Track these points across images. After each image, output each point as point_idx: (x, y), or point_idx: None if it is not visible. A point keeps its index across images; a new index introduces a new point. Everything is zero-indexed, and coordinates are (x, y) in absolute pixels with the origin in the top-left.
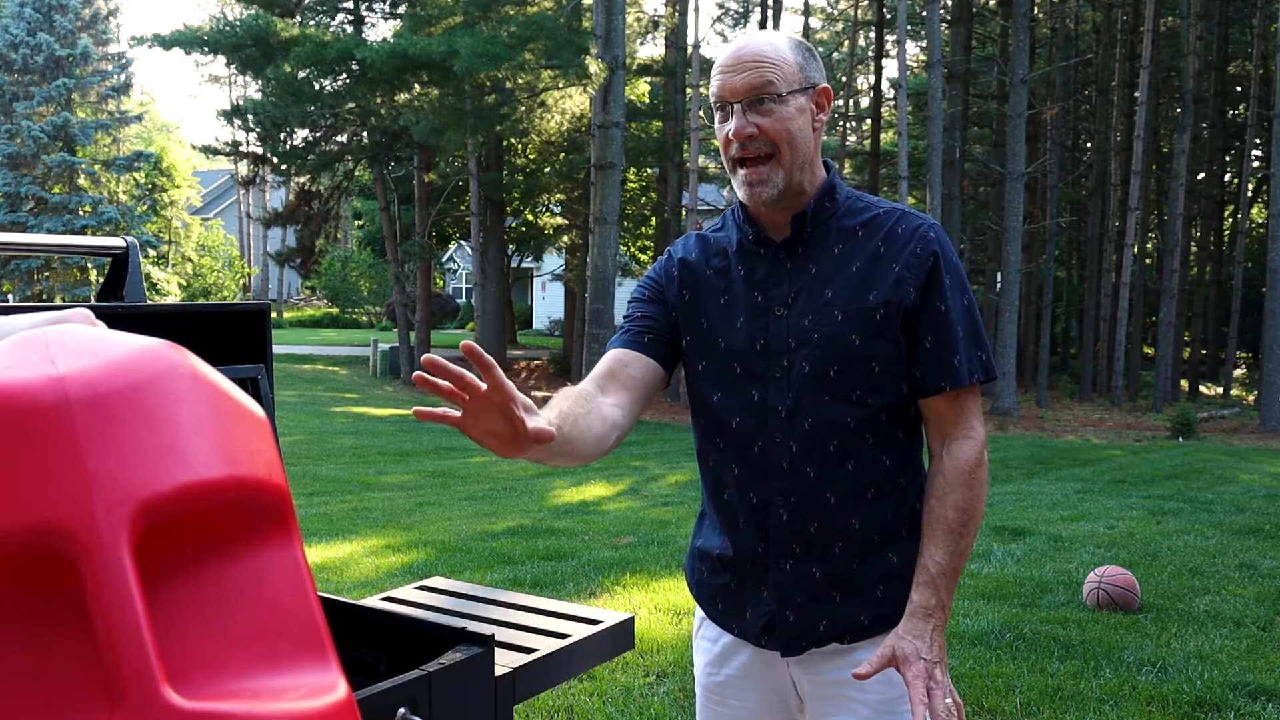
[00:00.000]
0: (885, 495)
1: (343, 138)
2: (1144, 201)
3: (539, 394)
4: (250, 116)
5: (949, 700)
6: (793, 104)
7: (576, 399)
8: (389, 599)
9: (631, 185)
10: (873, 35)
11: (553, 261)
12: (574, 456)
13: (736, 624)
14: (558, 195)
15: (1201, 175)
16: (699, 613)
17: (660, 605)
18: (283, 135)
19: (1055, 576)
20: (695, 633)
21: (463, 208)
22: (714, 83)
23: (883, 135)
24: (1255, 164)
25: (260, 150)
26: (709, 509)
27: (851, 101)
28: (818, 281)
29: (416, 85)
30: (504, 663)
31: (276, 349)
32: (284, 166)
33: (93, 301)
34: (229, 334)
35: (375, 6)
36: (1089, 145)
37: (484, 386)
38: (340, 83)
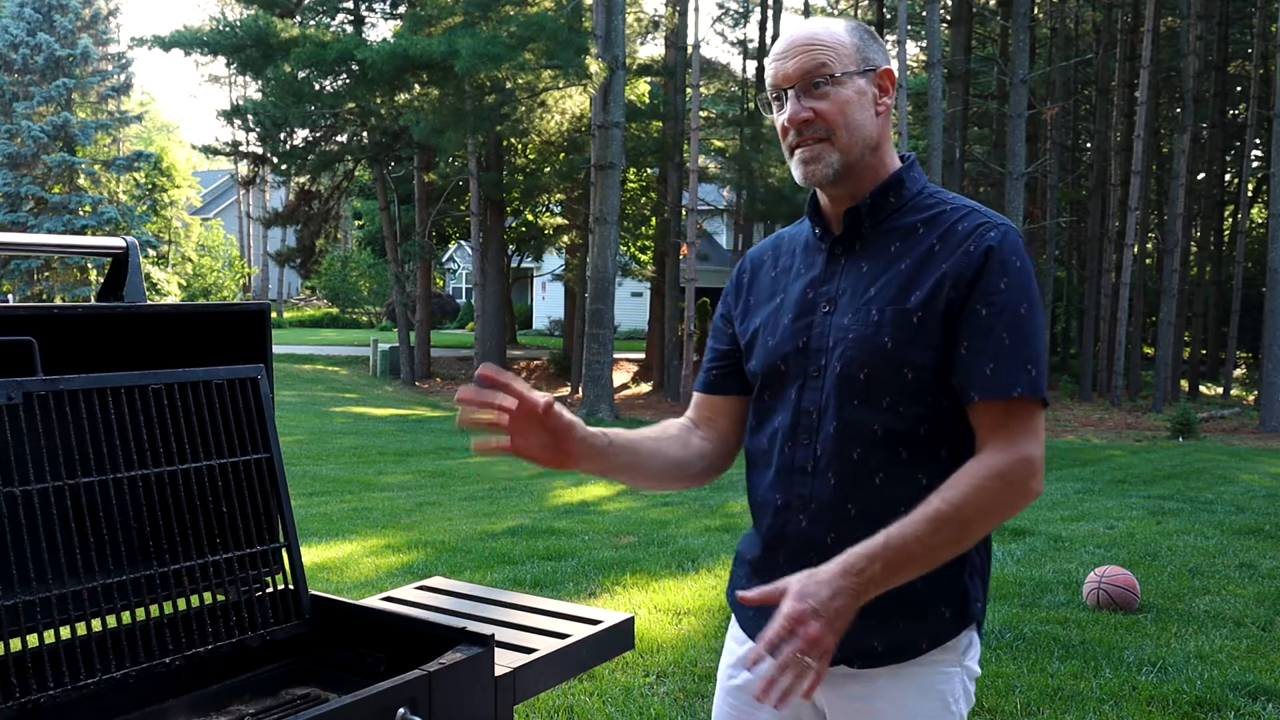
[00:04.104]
0: None
1: (343, 138)
2: (1144, 201)
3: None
4: (250, 116)
5: (806, 660)
6: (850, 86)
7: (665, 426)
8: (389, 599)
9: (631, 185)
10: None
11: (553, 261)
12: (645, 475)
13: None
14: (558, 195)
15: (1201, 175)
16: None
17: (660, 605)
18: (283, 135)
19: (1055, 576)
20: (729, 631)
21: (463, 208)
22: (768, 72)
23: None
24: (1255, 164)
25: (260, 150)
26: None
27: None
28: (865, 279)
29: (416, 85)
30: (504, 663)
31: (276, 349)
32: (284, 166)
33: (93, 301)
34: (229, 334)
35: (375, 6)
36: (1089, 145)
37: (513, 403)
38: (340, 83)
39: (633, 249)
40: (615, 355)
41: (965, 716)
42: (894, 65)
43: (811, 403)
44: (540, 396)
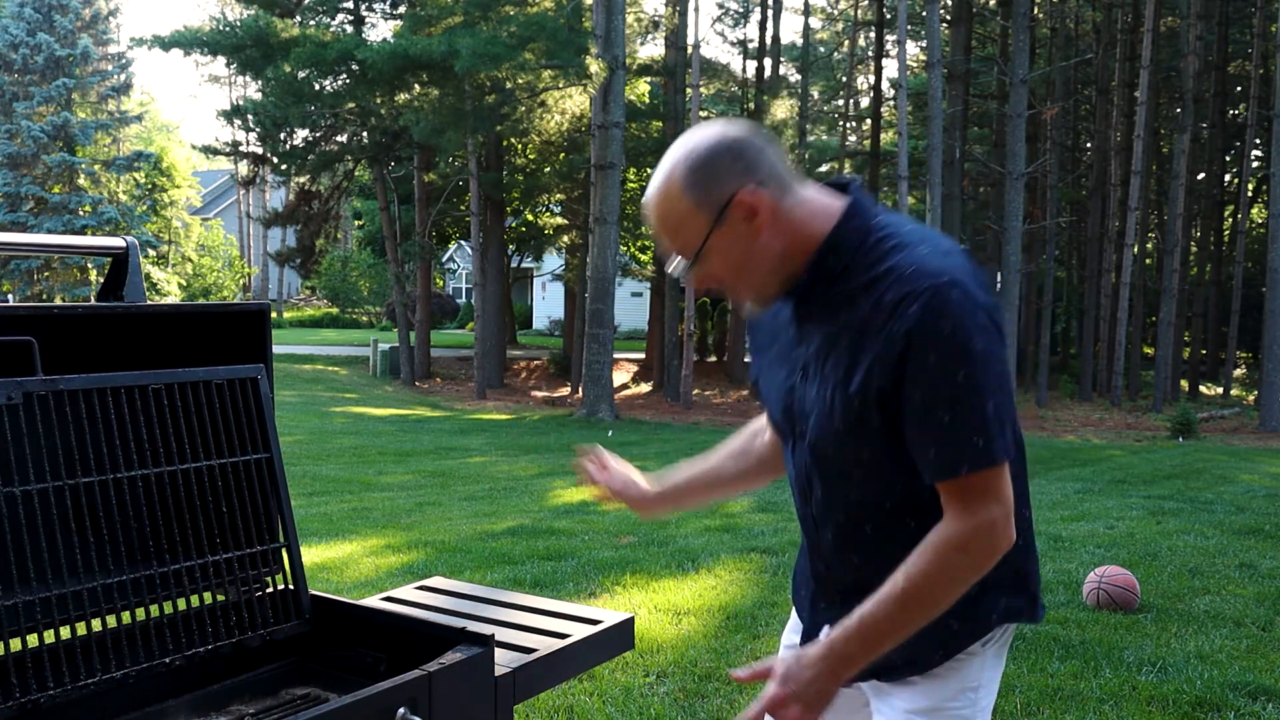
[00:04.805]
0: None
1: (343, 138)
2: (1144, 201)
3: (539, 394)
4: (250, 116)
5: None
6: (715, 248)
7: (730, 443)
8: (389, 599)
9: (631, 185)
10: (873, 35)
11: (553, 261)
12: (723, 494)
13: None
14: (558, 195)
15: (1201, 175)
16: None
17: (660, 605)
18: (283, 135)
19: (1055, 576)
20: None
21: (463, 208)
22: None
23: (883, 135)
24: (1255, 164)
25: (260, 150)
26: None
27: (851, 101)
28: (821, 352)
29: (416, 85)
30: (504, 663)
31: (276, 349)
32: (284, 166)
33: (93, 301)
34: (229, 334)
35: (375, 6)
36: (1089, 145)
37: (606, 472)
38: (340, 83)
39: (633, 249)
40: (615, 355)
41: (984, 698)
42: (757, 176)
43: (802, 464)
44: (622, 473)
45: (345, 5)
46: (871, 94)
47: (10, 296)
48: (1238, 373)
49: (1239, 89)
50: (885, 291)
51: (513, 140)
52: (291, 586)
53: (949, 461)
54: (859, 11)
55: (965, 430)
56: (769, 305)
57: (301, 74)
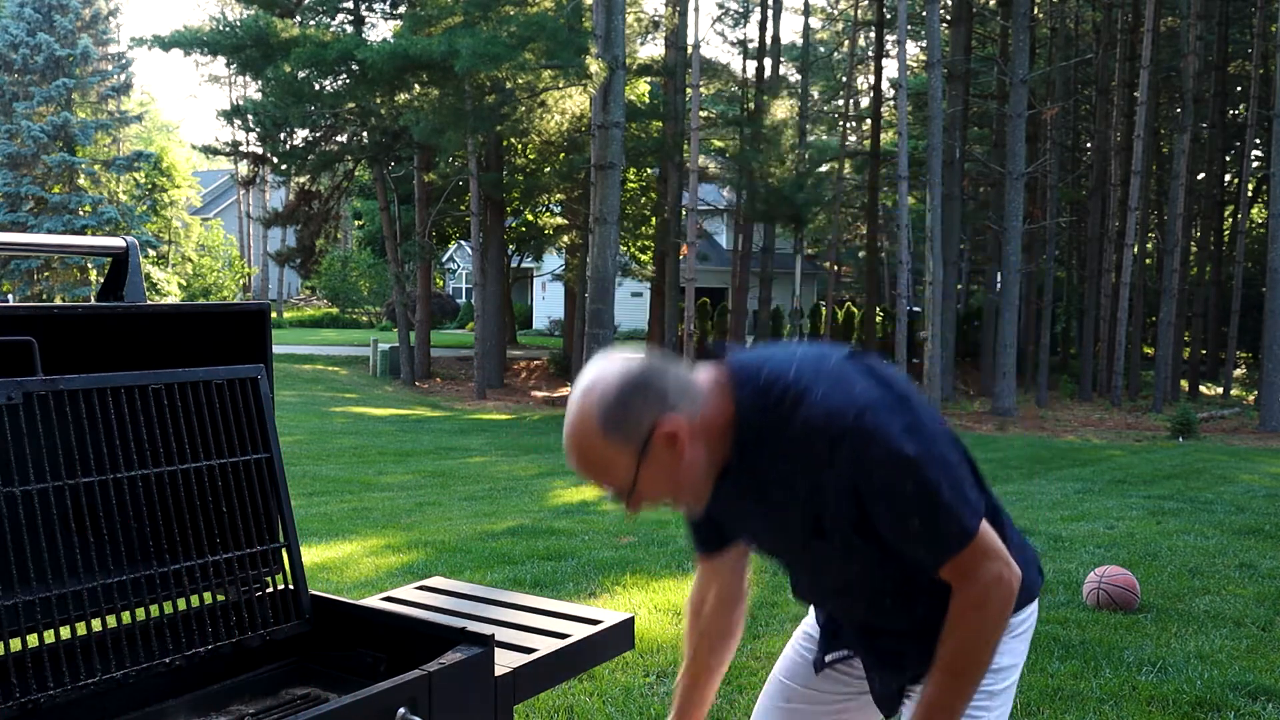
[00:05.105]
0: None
1: (343, 138)
2: (1144, 201)
3: (539, 394)
4: (250, 116)
5: None
6: (644, 479)
7: (703, 638)
8: (389, 599)
9: (631, 185)
10: (873, 35)
11: (553, 261)
12: (727, 660)
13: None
14: (558, 195)
15: (1201, 175)
16: None
17: (660, 605)
18: (283, 135)
19: (1055, 576)
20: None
21: (463, 208)
22: None
23: (883, 135)
24: (1255, 164)
25: (260, 150)
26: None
27: (851, 101)
28: (778, 513)
29: (416, 85)
30: (504, 663)
31: (276, 349)
32: (284, 166)
33: (93, 301)
34: (229, 334)
35: (375, 6)
36: (1089, 145)
37: None
38: (340, 83)
39: (633, 249)
40: None
41: (1004, 678)
42: (673, 404)
43: (802, 586)
44: None
45: (345, 5)
46: (871, 94)
47: (10, 296)
48: (1238, 373)
49: (1239, 89)
50: (809, 449)
51: (513, 140)
52: (291, 586)
53: (934, 554)
54: (859, 11)
55: (936, 524)
56: (701, 504)
57: (301, 74)
